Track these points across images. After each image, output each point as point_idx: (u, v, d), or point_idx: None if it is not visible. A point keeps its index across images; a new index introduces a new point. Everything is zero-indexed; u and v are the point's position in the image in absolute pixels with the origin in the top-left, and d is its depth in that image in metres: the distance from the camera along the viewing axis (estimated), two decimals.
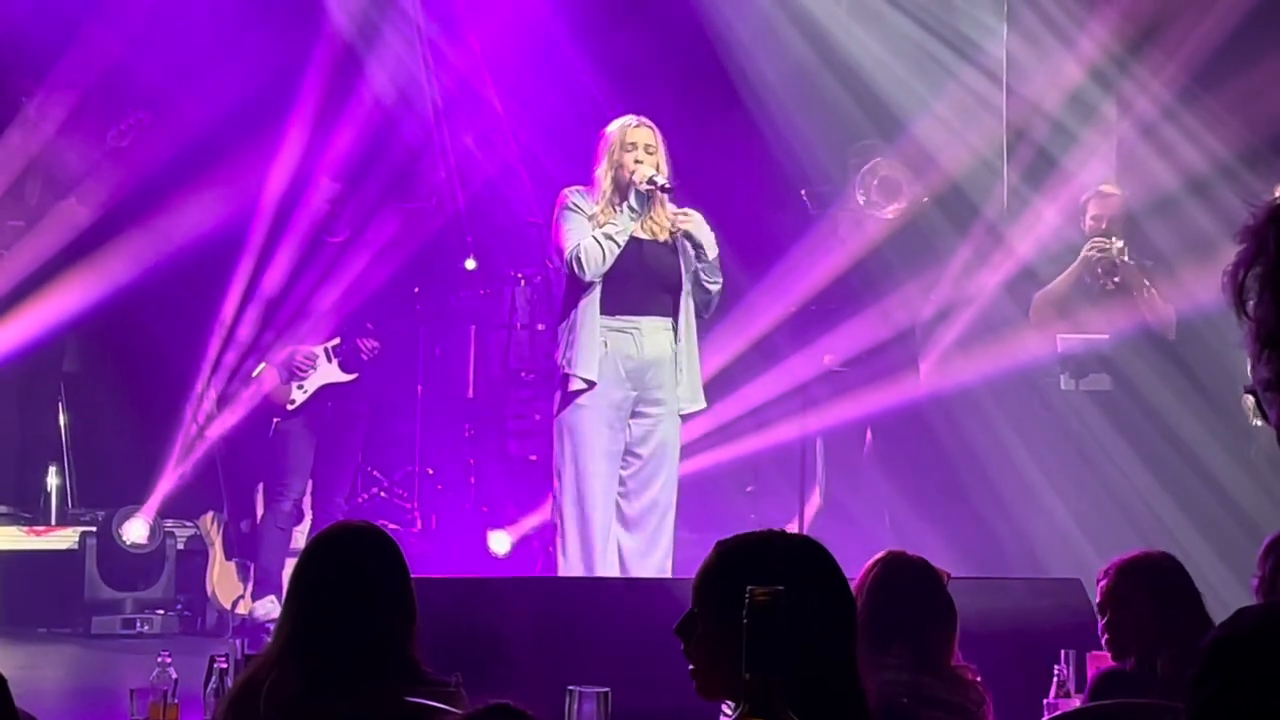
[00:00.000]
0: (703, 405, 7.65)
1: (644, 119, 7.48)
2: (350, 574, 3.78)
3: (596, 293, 7.31)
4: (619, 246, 7.28)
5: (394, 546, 3.89)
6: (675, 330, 7.42)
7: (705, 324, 8.91)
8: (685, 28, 10.51)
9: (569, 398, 7.31)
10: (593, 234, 7.29)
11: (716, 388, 9.60)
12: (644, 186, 7.31)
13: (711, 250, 7.43)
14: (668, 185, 7.33)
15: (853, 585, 4.30)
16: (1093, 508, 9.05)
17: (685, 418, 7.59)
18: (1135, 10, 9.78)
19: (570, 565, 7.28)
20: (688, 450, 9.34)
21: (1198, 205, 9.59)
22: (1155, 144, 9.81)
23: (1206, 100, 9.61)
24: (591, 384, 7.26)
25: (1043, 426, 9.32)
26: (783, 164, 10.33)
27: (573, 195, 7.43)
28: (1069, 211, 9.67)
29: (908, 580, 4.36)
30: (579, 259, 7.24)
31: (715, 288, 7.50)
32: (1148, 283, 9.12)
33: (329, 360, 9.46)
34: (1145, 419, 9.03)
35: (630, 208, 7.32)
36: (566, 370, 7.29)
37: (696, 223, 7.42)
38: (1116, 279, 9.08)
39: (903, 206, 9.22)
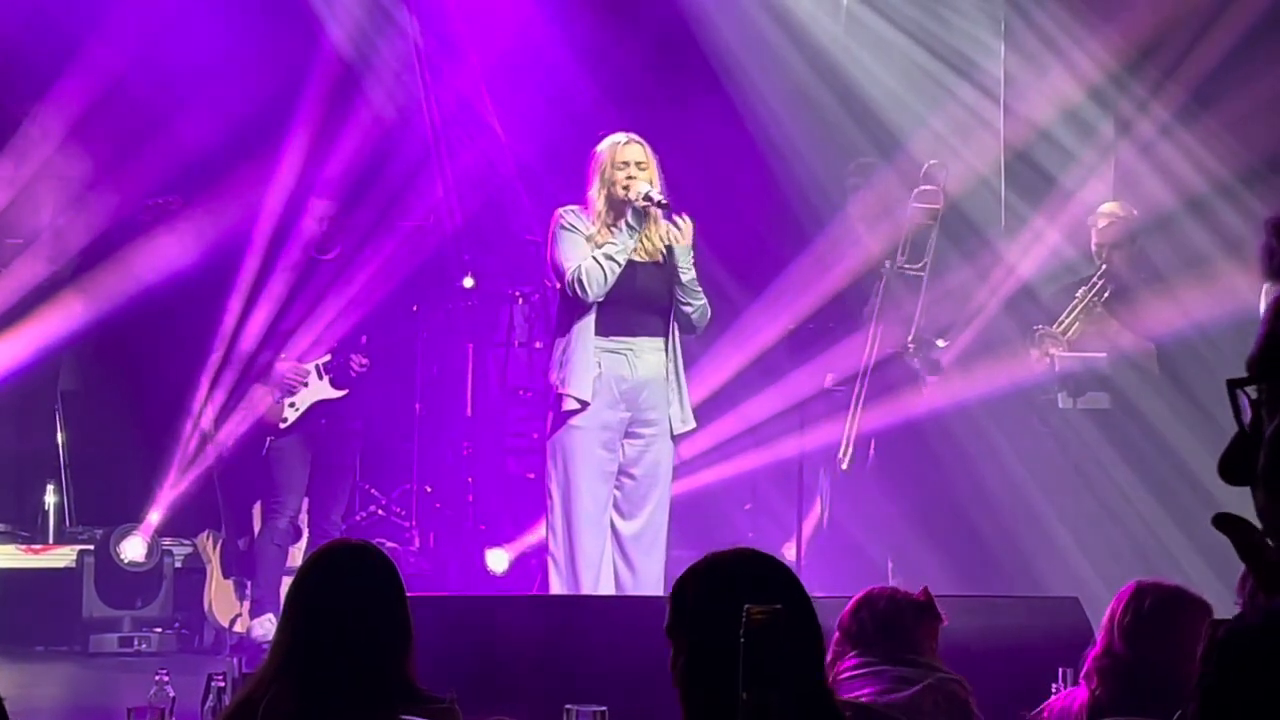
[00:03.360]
0: (693, 426, 7.65)
1: (634, 135, 7.44)
2: (346, 592, 3.78)
3: (592, 314, 7.29)
4: (620, 266, 7.26)
5: (390, 565, 3.89)
6: (666, 350, 7.41)
7: (704, 341, 8.92)
8: (684, 47, 10.52)
9: (562, 418, 7.30)
10: (593, 255, 7.26)
11: (715, 405, 9.60)
12: (640, 203, 7.29)
13: (685, 273, 7.38)
14: (663, 201, 7.31)
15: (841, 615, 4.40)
16: (1091, 526, 9.04)
17: (677, 438, 7.58)
18: (1134, 29, 9.79)
19: (562, 586, 7.27)
20: (687, 468, 9.34)
21: (1196, 224, 9.59)
22: (1153, 162, 9.82)
23: (1205, 119, 9.62)
24: (585, 404, 7.25)
25: (1041, 445, 9.32)
26: (781, 182, 10.34)
27: (567, 215, 7.39)
28: (1067, 230, 9.67)
29: (876, 616, 4.39)
30: (581, 281, 7.21)
31: (690, 310, 7.41)
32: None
33: (320, 377, 9.45)
34: (1143, 437, 9.03)
35: (629, 225, 7.30)
36: (560, 390, 7.27)
37: (684, 239, 7.38)
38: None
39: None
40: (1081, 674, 4.49)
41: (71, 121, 9.94)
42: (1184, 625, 4.23)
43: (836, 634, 4.40)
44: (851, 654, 4.34)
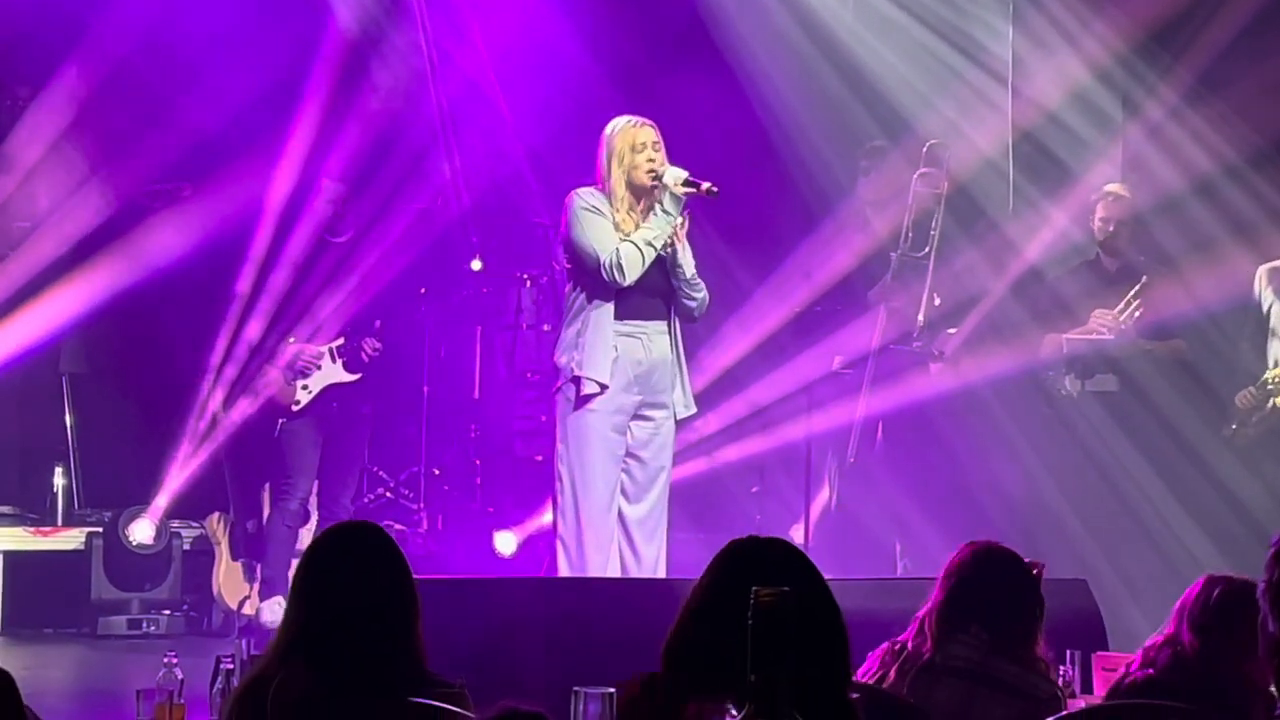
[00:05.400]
0: (695, 410, 7.64)
1: (643, 118, 7.38)
2: (354, 575, 3.78)
3: (612, 297, 7.24)
4: (656, 252, 7.20)
5: (394, 545, 3.88)
6: (670, 333, 7.39)
7: (711, 324, 8.91)
8: (691, 30, 10.51)
9: (581, 401, 7.26)
10: (632, 240, 7.16)
11: (723, 388, 9.61)
12: (680, 189, 7.21)
13: (689, 269, 7.35)
14: (715, 189, 7.21)
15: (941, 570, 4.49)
16: (1098, 509, 9.04)
17: (679, 423, 7.56)
18: (1141, 12, 9.77)
19: (570, 569, 7.26)
20: (695, 450, 9.35)
21: (1204, 206, 9.58)
22: (1161, 145, 9.81)
23: (1213, 101, 9.61)
24: (604, 387, 7.21)
25: (1049, 427, 9.31)
26: (788, 165, 10.33)
27: (587, 197, 7.28)
28: (1075, 212, 9.66)
29: (993, 571, 4.50)
30: (620, 265, 7.13)
31: (693, 305, 7.40)
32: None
33: (333, 360, 9.47)
34: (1151, 420, 9.02)
35: (664, 211, 7.21)
36: (578, 373, 7.21)
37: (686, 251, 7.35)
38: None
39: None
40: (1139, 658, 4.53)
41: (78, 105, 9.94)
42: (1250, 620, 4.22)
43: (941, 597, 4.45)
44: (967, 624, 4.39)
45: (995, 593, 4.46)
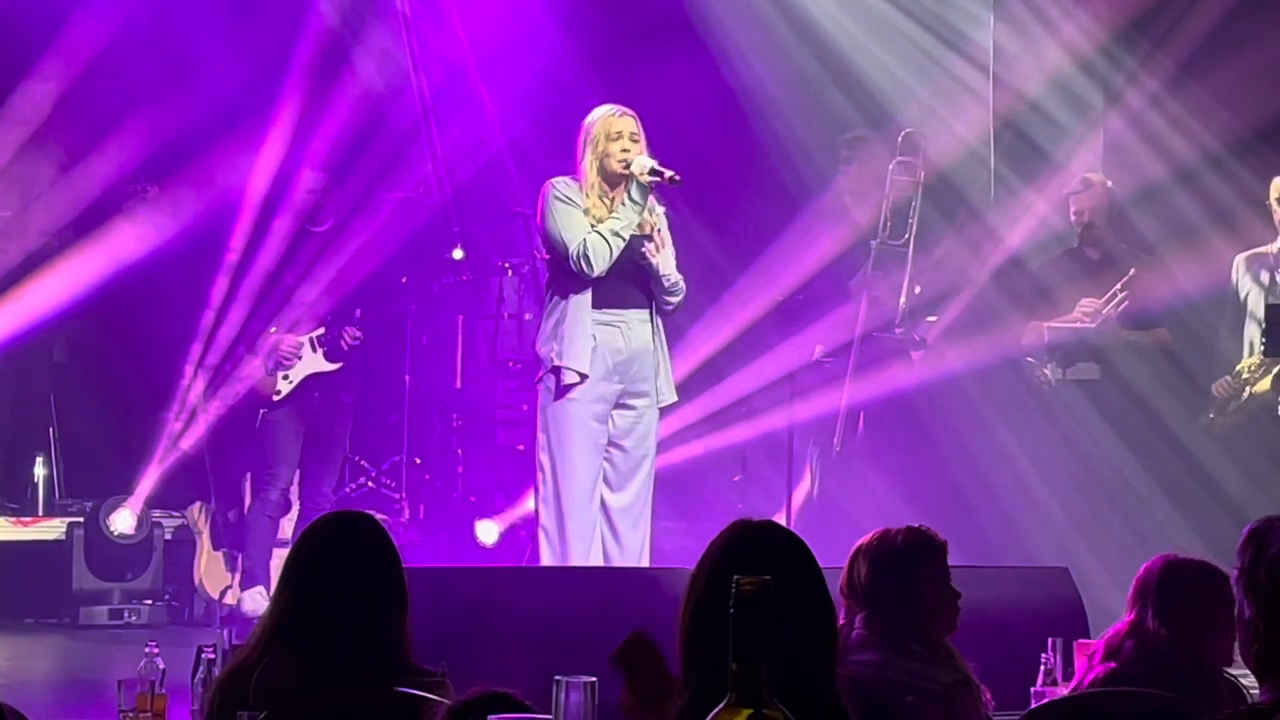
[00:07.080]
0: (675, 399, 7.63)
1: (624, 108, 7.38)
2: (346, 563, 3.79)
3: (588, 287, 7.24)
4: (624, 242, 7.18)
5: (385, 536, 3.90)
6: (652, 322, 7.39)
7: (693, 313, 8.91)
8: (672, 19, 10.50)
9: (561, 391, 7.25)
10: (598, 230, 7.17)
11: (704, 377, 9.61)
12: (646, 178, 7.20)
13: (669, 279, 7.34)
14: (675, 177, 7.20)
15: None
16: (1080, 497, 9.06)
17: (663, 410, 7.56)
18: (1122, 0, 9.78)
19: (553, 558, 7.26)
20: (676, 439, 9.34)
21: (1185, 195, 9.59)
22: (1143, 133, 9.82)
23: (1194, 89, 9.62)
24: (584, 377, 7.21)
25: (1030, 415, 9.33)
26: (770, 154, 10.32)
27: (560, 186, 7.28)
28: (1056, 200, 9.67)
29: (866, 562, 4.37)
30: (587, 256, 7.13)
31: (671, 307, 7.43)
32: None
33: (314, 350, 9.45)
34: (1132, 407, 9.04)
35: (632, 200, 7.20)
36: (557, 363, 7.21)
37: (665, 257, 7.34)
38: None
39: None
40: (1101, 648, 4.48)
41: (59, 95, 9.91)
42: (1215, 600, 4.18)
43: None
44: (859, 621, 4.28)
45: (871, 584, 4.31)
